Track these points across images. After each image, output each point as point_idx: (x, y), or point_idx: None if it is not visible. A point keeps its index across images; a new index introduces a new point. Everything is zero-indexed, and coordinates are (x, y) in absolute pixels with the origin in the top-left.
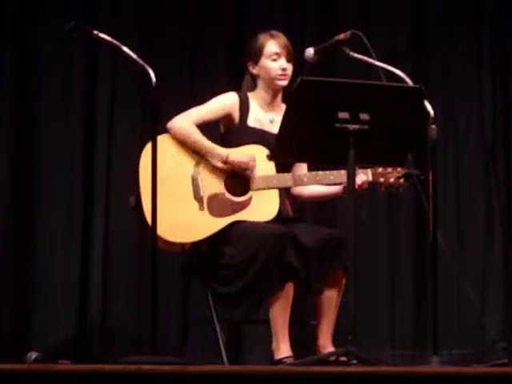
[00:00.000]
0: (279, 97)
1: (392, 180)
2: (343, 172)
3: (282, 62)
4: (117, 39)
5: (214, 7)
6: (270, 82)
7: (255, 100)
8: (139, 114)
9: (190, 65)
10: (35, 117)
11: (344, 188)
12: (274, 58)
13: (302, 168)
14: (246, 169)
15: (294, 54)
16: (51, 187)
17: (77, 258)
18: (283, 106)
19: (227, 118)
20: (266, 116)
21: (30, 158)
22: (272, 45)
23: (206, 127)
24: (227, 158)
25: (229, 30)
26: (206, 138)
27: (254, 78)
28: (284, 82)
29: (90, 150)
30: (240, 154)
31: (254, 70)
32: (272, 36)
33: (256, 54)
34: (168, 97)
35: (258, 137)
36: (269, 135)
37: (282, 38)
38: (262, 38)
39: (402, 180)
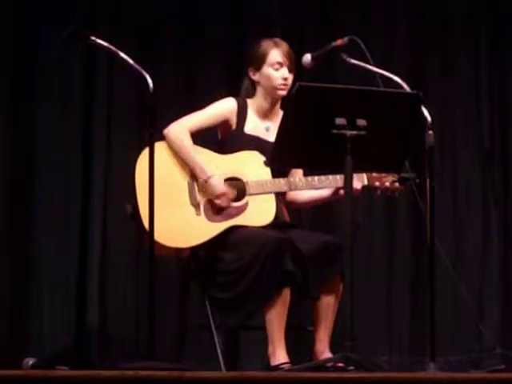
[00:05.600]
0: (277, 105)
1: (388, 184)
2: (339, 177)
3: (284, 72)
4: (115, 44)
5: (213, 12)
6: (270, 91)
7: (253, 107)
8: (137, 119)
9: (188, 70)
10: (33, 119)
11: (333, 192)
12: (276, 68)
13: (297, 173)
14: (216, 198)
15: (295, 65)
16: (48, 193)
17: (75, 263)
18: (281, 114)
19: (225, 124)
20: (263, 124)
21: (27, 162)
22: (276, 53)
23: (204, 133)
24: (207, 180)
25: (227, 36)
26: (199, 147)
27: (254, 85)
28: (283, 92)
29: (88, 155)
30: (218, 186)
31: (255, 77)
32: (276, 44)
33: (258, 61)
34: (165, 102)
35: (253, 144)
36: (265, 143)
37: (286, 47)
38: (266, 45)
39: (397, 184)
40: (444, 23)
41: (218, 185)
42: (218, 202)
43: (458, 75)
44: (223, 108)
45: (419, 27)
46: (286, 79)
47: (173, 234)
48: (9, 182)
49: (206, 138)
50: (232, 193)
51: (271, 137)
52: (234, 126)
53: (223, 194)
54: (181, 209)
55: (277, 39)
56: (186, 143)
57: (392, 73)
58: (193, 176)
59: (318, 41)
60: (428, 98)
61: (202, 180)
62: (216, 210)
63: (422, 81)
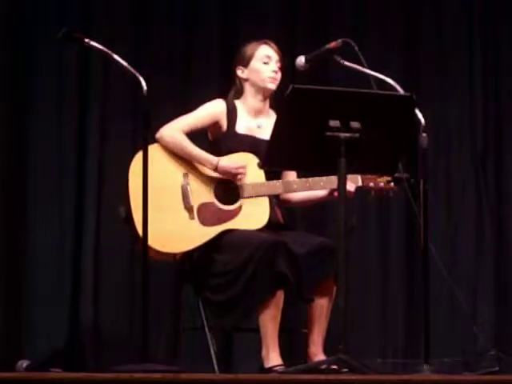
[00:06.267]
0: (267, 102)
1: (382, 184)
2: (333, 178)
3: (273, 65)
4: (109, 45)
5: (207, 15)
6: (259, 85)
7: (242, 107)
8: (131, 122)
9: (183, 73)
10: (27, 121)
11: (328, 193)
12: (265, 61)
13: (291, 174)
14: (235, 175)
15: (284, 63)
16: (42, 193)
17: (68, 266)
18: (271, 112)
19: (215, 125)
20: (254, 122)
21: (22, 163)
22: (264, 48)
23: (195, 135)
24: (217, 164)
25: (221, 38)
26: (195, 145)
27: (242, 85)
28: (273, 86)
29: (82, 157)
30: (230, 161)
31: (243, 75)
32: (264, 42)
33: (246, 58)
34: (159, 104)
35: (247, 143)
36: (258, 141)
37: (274, 45)
38: (254, 43)
39: (391, 184)
40: (438, 25)
41: (231, 162)
42: (239, 176)
43: (452, 77)
44: (213, 109)
45: (414, 28)
46: (275, 72)
47: (166, 238)
48: (3, 183)
49: (196, 140)
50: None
51: (264, 134)
52: (224, 127)
53: (242, 167)
54: (174, 213)
55: (265, 40)
56: (183, 140)
57: (386, 74)
58: (186, 179)
59: (311, 43)
60: (421, 100)
61: (212, 167)
62: (210, 214)
63: (416, 82)
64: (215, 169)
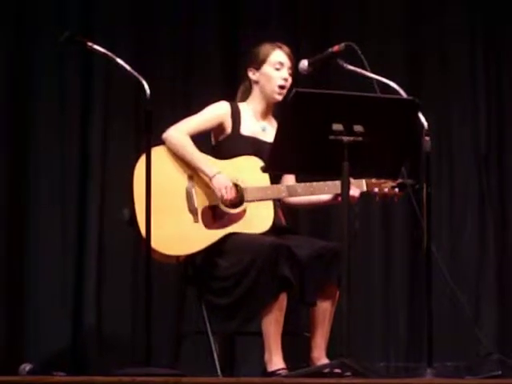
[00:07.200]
0: (271, 109)
1: (386, 190)
2: (337, 183)
3: (284, 73)
4: (111, 48)
5: (209, 17)
6: (267, 93)
7: (246, 109)
8: (134, 125)
9: (184, 75)
10: (29, 121)
11: (333, 197)
12: (277, 67)
13: (289, 178)
14: (220, 197)
15: (294, 68)
16: (45, 195)
17: (71, 269)
18: (273, 119)
19: (220, 127)
20: (258, 124)
21: (24, 166)
22: (278, 54)
23: (199, 138)
24: (212, 177)
25: (224, 42)
26: (199, 150)
27: (251, 86)
28: (280, 97)
29: (85, 160)
30: (223, 180)
31: (254, 77)
32: (279, 46)
33: (259, 61)
34: (162, 107)
35: (251, 145)
36: (262, 143)
37: (288, 51)
38: (269, 46)
39: (396, 190)
40: (440, 27)
41: (226, 179)
42: (223, 192)
43: (455, 81)
44: (218, 111)
45: (416, 32)
46: (286, 80)
47: (170, 241)
48: (5, 184)
49: (199, 143)
50: (235, 191)
51: (268, 137)
52: (229, 129)
53: (229, 187)
54: (178, 215)
55: (279, 43)
56: (188, 145)
57: (389, 79)
58: (191, 182)
59: (314, 47)
60: (424, 104)
61: (208, 178)
62: (214, 217)
63: (419, 86)
64: (209, 180)
